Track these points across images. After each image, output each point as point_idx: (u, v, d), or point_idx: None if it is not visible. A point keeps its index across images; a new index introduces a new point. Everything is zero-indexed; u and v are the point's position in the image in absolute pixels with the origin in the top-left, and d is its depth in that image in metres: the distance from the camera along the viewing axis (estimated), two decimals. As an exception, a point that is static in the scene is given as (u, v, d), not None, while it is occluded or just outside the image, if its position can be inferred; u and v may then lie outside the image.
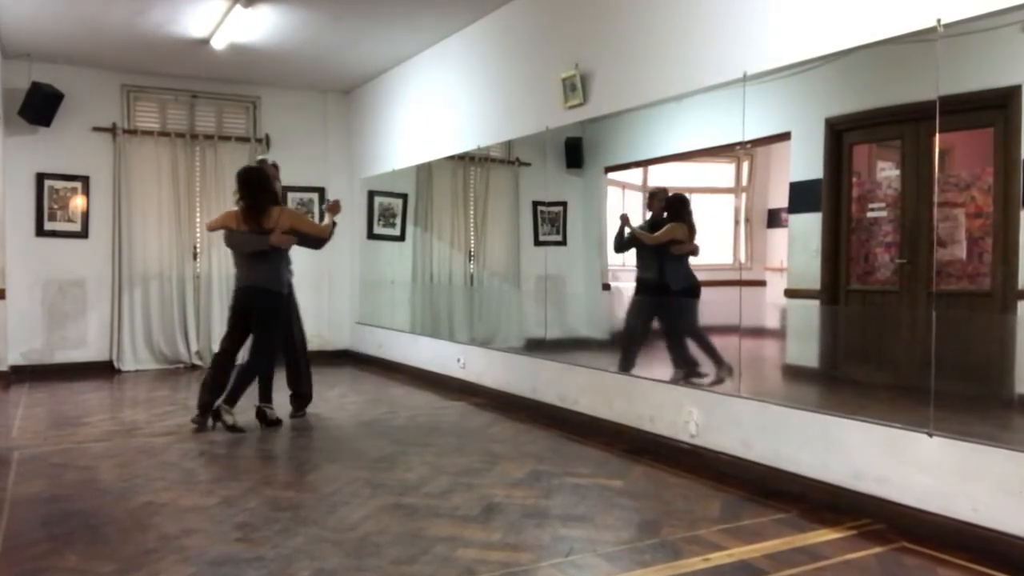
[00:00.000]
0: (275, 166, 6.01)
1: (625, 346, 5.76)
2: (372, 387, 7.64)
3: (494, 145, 6.96)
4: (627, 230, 5.59)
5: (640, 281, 5.64)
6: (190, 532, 3.49)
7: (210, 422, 5.51)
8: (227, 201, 8.89)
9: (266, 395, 5.83)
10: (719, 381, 4.71)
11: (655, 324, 5.70)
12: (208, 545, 3.34)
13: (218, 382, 5.54)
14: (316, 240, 5.71)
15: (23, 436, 5.46)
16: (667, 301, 5.37)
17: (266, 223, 5.35)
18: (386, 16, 6.81)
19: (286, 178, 9.24)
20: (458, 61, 7.31)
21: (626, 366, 5.45)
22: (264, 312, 5.48)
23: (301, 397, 6.08)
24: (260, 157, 6.05)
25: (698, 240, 5.26)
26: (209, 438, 5.37)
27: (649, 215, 5.62)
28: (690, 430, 4.66)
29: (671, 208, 5.37)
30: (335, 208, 5.84)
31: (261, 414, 5.76)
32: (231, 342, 5.64)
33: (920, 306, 3.78)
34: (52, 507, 3.88)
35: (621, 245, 5.68)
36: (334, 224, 5.75)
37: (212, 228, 5.87)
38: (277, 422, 5.74)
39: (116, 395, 7.34)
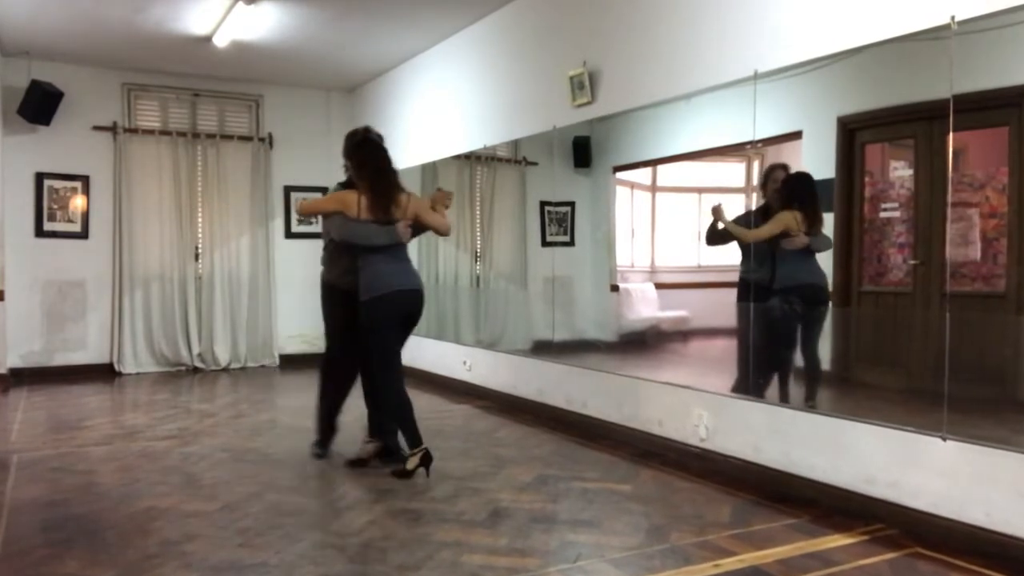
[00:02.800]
0: (379, 136, 4.66)
1: (742, 365, 4.71)
2: (375, 389, 7.57)
3: (500, 144, 6.92)
4: (720, 225, 4.77)
5: (742, 282, 4.70)
6: (192, 537, 3.45)
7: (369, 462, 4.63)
8: (230, 200, 8.89)
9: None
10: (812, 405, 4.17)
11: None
12: (210, 551, 3.30)
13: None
14: (438, 234, 4.77)
15: (22, 439, 5.42)
16: (779, 306, 4.44)
17: (395, 212, 4.35)
18: (391, 13, 6.76)
19: (289, 178, 9.32)
20: (464, 59, 7.26)
21: (744, 387, 4.55)
22: (416, 322, 4.56)
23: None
24: (366, 126, 4.65)
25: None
26: (211, 443, 5.33)
27: (762, 201, 4.72)
28: (700, 434, 4.62)
29: (785, 191, 4.44)
30: (444, 199, 4.63)
31: (382, 452, 4.69)
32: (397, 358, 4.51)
33: (934, 308, 3.73)
34: (51, 512, 3.84)
35: (713, 238, 4.85)
36: None
37: (314, 212, 4.77)
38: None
39: (116, 398, 7.30)
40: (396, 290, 4.31)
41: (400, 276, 4.36)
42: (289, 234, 9.36)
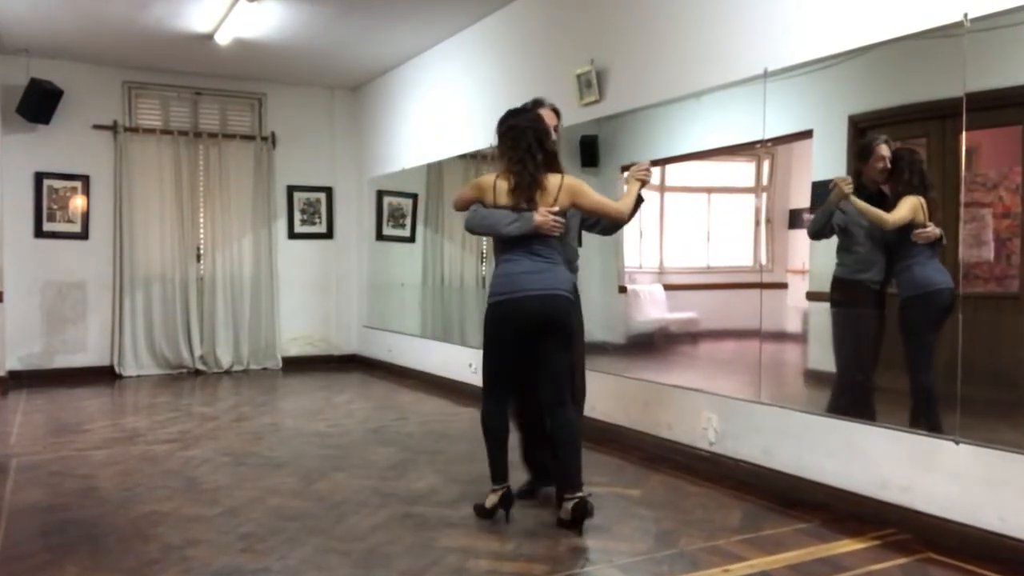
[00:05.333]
0: (555, 111, 3.99)
1: (841, 385, 4.17)
2: (381, 393, 7.56)
3: (506, 143, 6.87)
4: (850, 192, 3.82)
5: (844, 284, 4.03)
6: (194, 542, 3.42)
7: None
8: (232, 200, 8.85)
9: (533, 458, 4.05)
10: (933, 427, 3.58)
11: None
12: (212, 556, 3.26)
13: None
14: (609, 224, 3.91)
15: (21, 443, 5.38)
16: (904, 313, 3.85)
17: (540, 198, 3.56)
18: (396, 10, 6.73)
19: (291, 178, 9.28)
20: (470, 57, 7.23)
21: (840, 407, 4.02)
22: (569, 331, 3.64)
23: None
24: (535, 99, 4.03)
25: (723, 239, 4.75)
26: (213, 446, 5.28)
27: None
28: (709, 437, 4.57)
29: (907, 170, 3.71)
30: (641, 173, 3.74)
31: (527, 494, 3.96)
32: (515, 386, 3.74)
33: (946, 309, 3.68)
34: (51, 516, 3.80)
35: (822, 230, 4.04)
36: (640, 200, 3.73)
37: (463, 205, 3.78)
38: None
39: (117, 401, 7.28)
40: (512, 296, 3.54)
41: (527, 278, 3.54)
42: (292, 234, 9.34)
